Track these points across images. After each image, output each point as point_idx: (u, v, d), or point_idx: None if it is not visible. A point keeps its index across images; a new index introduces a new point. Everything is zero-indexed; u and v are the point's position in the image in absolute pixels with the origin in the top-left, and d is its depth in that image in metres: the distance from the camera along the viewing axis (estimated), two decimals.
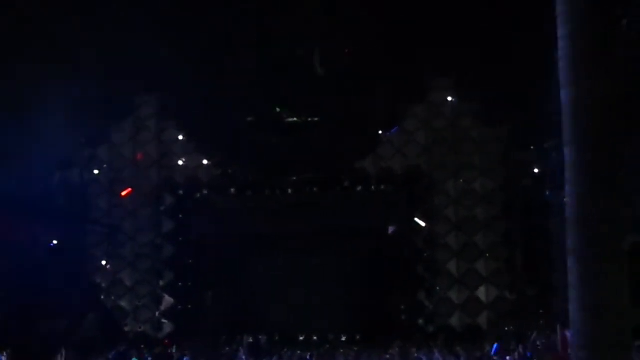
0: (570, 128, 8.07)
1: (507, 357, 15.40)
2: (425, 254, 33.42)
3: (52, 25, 27.45)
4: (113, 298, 33.59)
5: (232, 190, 33.95)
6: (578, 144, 7.96)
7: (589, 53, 8.00)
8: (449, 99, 34.05)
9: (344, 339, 32.95)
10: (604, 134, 7.89)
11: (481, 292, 32.98)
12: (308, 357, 24.69)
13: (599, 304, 7.45)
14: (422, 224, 33.45)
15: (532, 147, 31.77)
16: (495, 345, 18.09)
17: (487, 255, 33.10)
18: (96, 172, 34.06)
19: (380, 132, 34.44)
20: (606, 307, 7.41)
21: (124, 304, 33.75)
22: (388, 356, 24.81)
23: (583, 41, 8.03)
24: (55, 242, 30.27)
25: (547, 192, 25.12)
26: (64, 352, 21.35)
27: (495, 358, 15.87)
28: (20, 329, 25.31)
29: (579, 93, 8.00)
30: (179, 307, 33.71)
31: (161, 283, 34.01)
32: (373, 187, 33.96)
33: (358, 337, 32.76)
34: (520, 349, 13.61)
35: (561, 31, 8.21)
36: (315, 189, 33.86)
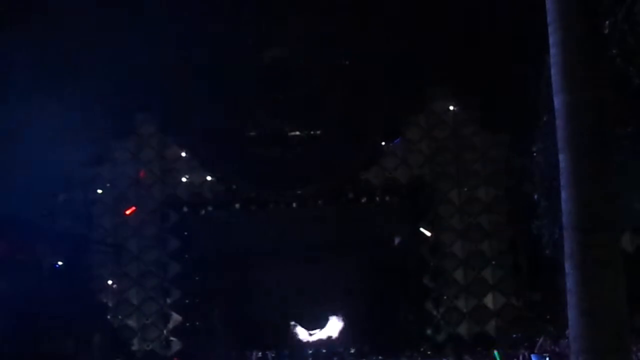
0: (564, 134, 8.08)
1: None
2: (432, 264, 33.39)
3: (51, 42, 27.51)
4: (120, 317, 33.54)
5: (237, 205, 33.93)
6: (572, 149, 7.97)
7: (580, 60, 8.02)
8: (450, 107, 34.09)
9: (352, 351, 32.85)
10: (597, 139, 7.89)
11: (488, 300, 32.91)
12: None
13: (596, 309, 7.44)
14: (428, 233, 33.44)
15: (535, 153, 31.68)
16: (495, 353, 18.03)
17: (493, 262, 33.07)
18: (99, 191, 34.05)
19: (383, 142, 34.47)
20: (604, 312, 7.40)
21: (131, 322, 33.69)
22: None
23: (574, 48, 8.05)
24: (60, 262, 30.23)
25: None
26: None
27: None
28: (26, 351, 25.25)
29: (572, 99, 8.01)
30: (187, 324, 33.66)
31: (168, 301, 33.94)
32: (377, 198, 33.96)
33: (366, 349, 32.66)
34: (526, 354, 13.59)
35: (552, 39, 8.24)
36: (320, 202, 33.85)
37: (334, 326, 33.62)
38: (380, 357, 29.22)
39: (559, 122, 8.18)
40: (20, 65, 27.15)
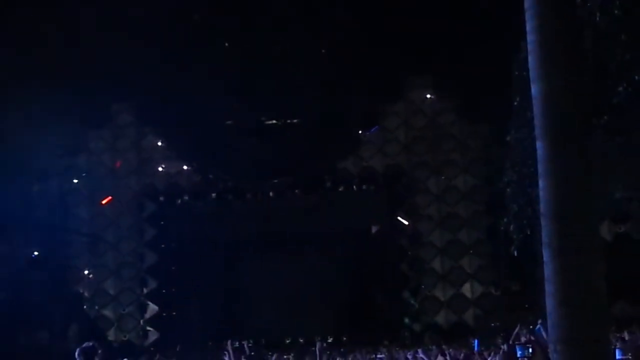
0: (542, 122, 8.00)
1: (491, 354, 15.31)
2: (409, 253, 33.41)
3: (28, 35, 27.25)
4: (96, 307, 33.37)
5: (213, 195, 33.80)
6: (549, 137, 7.89)
7: (557, 47, 7.95)
8: (428, 96, 34.07)
9: (330, 340, 32.80)
10: (575, 127, 7.83)
11: (466, 289, 33.00)
12: None
13: (574, 297, 7.39)
14: (405, 222, 33.43)
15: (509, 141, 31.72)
16: (476, 341, 18.02)
17: (471, 251, 33.12)
18: (75, 181, 33.80)
19: (360, 131, 34.41)
20: (582, 300, 7.34)
21: (107, 312, 33.54)
22: (375, 356, 24.69)
23: (551, 35, 7.97)
24: (36, 252, 29.99)
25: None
26: None
27: (477, 354, 15.79)
28: (2, 342, 25.06)
29: (549, 87, 7.94)
30: (164, 314, 33.51)
31: (145, 291, 33.81)
32: (355, 187, 33.92)
33: (345, 339, 32.64)
34: (504, 346, 13.55)
35: (529, 26, 8.15)
36: (297, 191, 33.78)
37: (311, 315, 33.55)
38: (358, 346, 29.13)
39: (536, 110, 8.10)
40: None
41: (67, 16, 28.15)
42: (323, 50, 32.23)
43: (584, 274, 7.50)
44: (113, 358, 26.26)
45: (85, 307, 33.06)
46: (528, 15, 8.16)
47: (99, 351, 9.05)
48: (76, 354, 9.00)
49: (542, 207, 7.91)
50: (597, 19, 16.06)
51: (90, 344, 9.14)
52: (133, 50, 29.61)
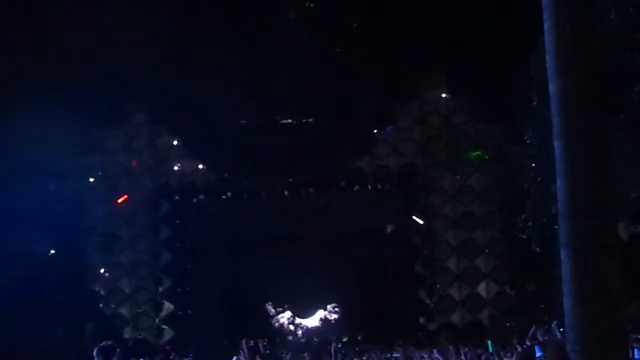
0: (559, 121, 7.98)
1: (507, 354, 15.30)
2: (424, 252, 33.35)
3: (45, 34, 27.38)
4: (112, 306, 33.48)
5: (228, 194, 33.83)
6: (567, 136, 7.87)
7: (574, 46, 7.92)
8: (443, 95, 34.01)
9: (345, 339, 32.83)
10: (592, 126, 7.80)
11: (482, 288, 32.92)
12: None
13: (592, 296, 7.37)
14: (420, 221, 33.38)
15: (527, 141, 31.63)
16: (489, 342, 17.98)
17: (487, 251, 33.04)
18: (91, 180, 33.93)
19: (375, 130, 34.37)
20: (599, 299, 7.32)
21: (123, 311, 33.64)
22: (390, 356, 24.70)
23: (568, 34, 7.95)
24: (52, 251, 30.12)
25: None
26: None
27: (494, 355, 15.75)
28: (18, 340, 25.20)
29: (566, 85, 7.92)
30: (179, 312, 33.60)
31: (160, 289, 33.91)
32: (369, 187, 33.88)
33: (360, 338, 32.64)
34: (518, 347, 13.52)
35: (547, 24, 8.14)
36: (311, 190, 33.76)
37: (326, 314, 33.59)
38: (373, 346, 29.14)
39: (554, 109, 8.07)
40: (13, 54, 27.02)
41: (84, 15, 28.25)
42: (338, 50, 32.21)
43: (601, 273, 7.48)
44: (129, 356, 26.36)
45: (101, 305, 33.18)
46: (546, 14, 8.15)
47: (117, 350, 9.09)
48: (94, 352, 9.04)
49: (560, 205, 7.89)
50: (614, 17, 16.02)
51: (109, 342, 9.17)
52: (149, 50, 29.74)
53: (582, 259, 7.52)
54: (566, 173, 7.90)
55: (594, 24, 8.32)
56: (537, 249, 24.53)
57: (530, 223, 24.49)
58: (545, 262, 28.25)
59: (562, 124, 8.01)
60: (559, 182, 7.99)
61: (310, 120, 33.68)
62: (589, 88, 7.96)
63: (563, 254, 7.72)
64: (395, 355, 23.28)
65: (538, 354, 11.37)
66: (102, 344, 9.15)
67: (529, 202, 26.89)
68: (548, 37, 8.13)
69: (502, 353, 16.88)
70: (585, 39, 8.06)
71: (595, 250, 7.49)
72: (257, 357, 14.10)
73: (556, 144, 8.00)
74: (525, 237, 30.18)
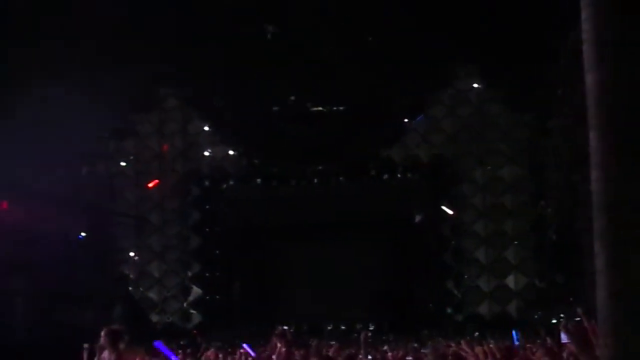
0: (595, 112, 7.90)
1: (534, 346, 15.18)
2: (453, 242, 33.25)
3: (75, 17, 27.49)
4: (141, 289, 33.76)
5: (258, 180, 33.91)
6: (603, 127, 7.81)
7: (613, 36, 7.85)
8: (475, 85, 33.82)
9: (371, 328, 32.80)
10: (629, 117, 7.73)
11: (510, 280, 32.79)
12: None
13: (626, 290, 7.31)
14: (450, 212, 33.27)
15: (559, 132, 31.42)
16: (514, 333, 17.82)
17: (516, 242, 32.89)
18: (123, 164, 34.17)
19: (405, 120, 34.27)
20: (634, 293, 7.27)
21: (152, 294, 33.92)
22: (416, 345, 24.67)
23: (607, 24, 7.87)
24: (83, 234, 30.39)
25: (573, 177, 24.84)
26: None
27: (519, 346, 15.63)
28: (45, 320, 25.49)
29: (603, 76, 7.84)
30: (207, 297, 33.79)
31: (189, 274, 34.12)
32: (399, 176, 33.80)
33: (386, 326, 32.63)
34: (547, 338, 13.40)
35: (584, 13, 8.05)
36: (341, 178, 33.76)
37: (353, 303, 33.59)
38: (399, 335, 29.12)
39: (590, 100, 8.00)
40: (47, 38, 27.17)
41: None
42: (370, 38, 32.07)
43: (635, 266, 7.42)
44: (156, 340, 26.51)
45: (130, 288, 33.44)
46: (583, 3, 8.07)
47: (125, 337, 9.16)
48: (102, 332, 9.13)
49: (595, 198, 7.82)
50: None
51: (118, 327, 9.27)
52: (182, 35, 29.81)
53: (616, 252, 7.46)
54: (601, 164, 7.82)
55: (634, 14, 8.21)
56: (563, 240, 24.31)
57: (554, 213, 24.29)
58: (575, 254, 28.12)
59: (598, 115, 7.93)
60: (593, 174, 7.91)
61: (341, 108, 33.60)
62: (627, 79, 7.87)
63: (596, 246, 7.65)
64: (421, 346, 23.18)
65: (564, 340, 11.28)
66: (111, 327, 9.24)
67: (553, 192, 26.72)
68: (585, 27, 8.04)
69: (529, 346, 16.77)
70: (623, 30, 7.96)
71: (630, 242, 7.43)
72: (284, 343, 14.14)
73: (591, 135, 7.91)
74: (553, 228, 30.06)
